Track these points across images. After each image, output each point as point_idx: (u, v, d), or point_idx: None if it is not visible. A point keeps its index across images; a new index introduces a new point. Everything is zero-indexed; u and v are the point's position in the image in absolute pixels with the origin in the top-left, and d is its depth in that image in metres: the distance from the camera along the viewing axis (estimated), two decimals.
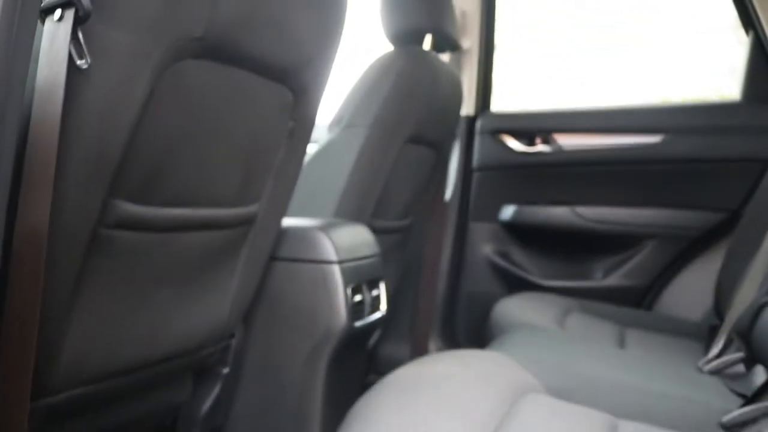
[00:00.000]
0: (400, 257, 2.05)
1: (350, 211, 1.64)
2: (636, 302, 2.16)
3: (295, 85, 1.10)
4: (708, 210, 2.10)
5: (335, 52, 1.17)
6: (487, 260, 2.28)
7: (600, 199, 2.19)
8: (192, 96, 0.88)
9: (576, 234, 2.21)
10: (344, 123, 1.67)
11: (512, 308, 1.77)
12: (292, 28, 1.00)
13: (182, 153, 0.91)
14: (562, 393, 1.11)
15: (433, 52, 1.85)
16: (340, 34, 1.16)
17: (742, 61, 2.10)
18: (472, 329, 2.28)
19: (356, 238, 1.45)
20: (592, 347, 1.44)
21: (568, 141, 2.21)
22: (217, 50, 0.88)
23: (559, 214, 2.21)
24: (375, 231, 1.78)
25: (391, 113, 1.65)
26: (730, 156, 2.07)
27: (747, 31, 2.08)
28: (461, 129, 2.25)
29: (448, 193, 2.28)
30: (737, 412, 1.09)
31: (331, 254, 1.32)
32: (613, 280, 2.18)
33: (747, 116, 2.08)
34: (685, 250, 2.14)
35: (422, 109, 1.73)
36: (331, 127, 1.71)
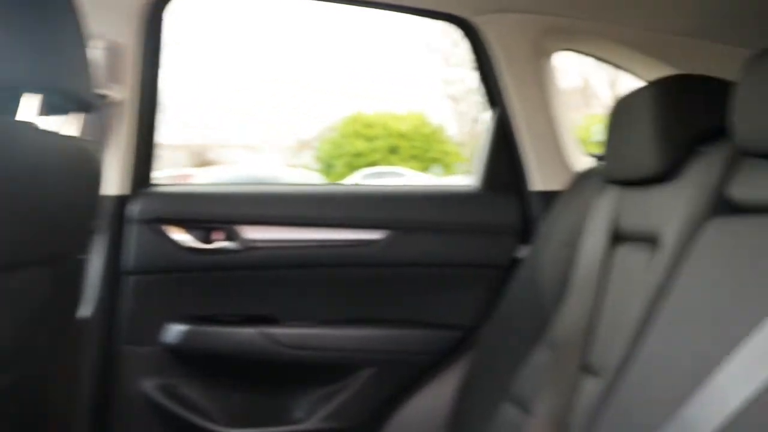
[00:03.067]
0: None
1: None
2: None
3: None
4: (437, 328, 1.63)
5: None
6: (145, 399, 1.59)
7: (300, 315, 1.61)
8: None
9: (269, 362, 1.61)
10: None
11: None
12: None
13: None
14: None
15: (37, 124, 1.08)
16: None
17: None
18: None
19: None
20: None
21: (259, 235, 1.59)
22: None
23: (246, 336, 1.58)
24: None
25: None
26: (464, 260, 1.62)
27: (491, 107, 1.65)
28: (105, 216, 1.53)
29: (88, 309, 1.54)
30: None
31: None
32: (319, 421, 1.61)
33: (484, 210, 1.64)
34: (409, 379, 1.64)
35: (14, 223, 1.00)
36: None
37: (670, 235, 1.03)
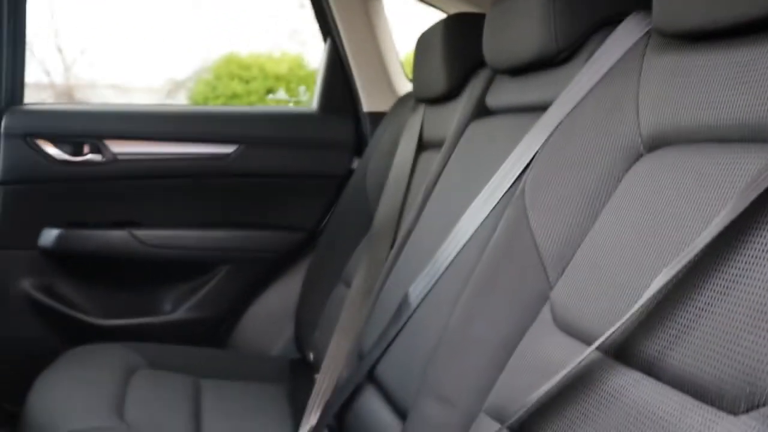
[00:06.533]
0: None
1: None
2: (211, 335, 1.89)
3: None
4: (284, 230, 1.91)
5: None
6: (25, 297, 1.78)
7: (164, 219, 1.84)
8: None
9: (137, 262, 1.83)
10: None
11: (54, 396, 1.33)
12: None
13: None
14: None
15: None
16: None
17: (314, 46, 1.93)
18: (10, 387, 1.74)
19: None
20: None
21: (124, 149, 1.80)
22: None
23: (115, 238, 1.80)
24: None
25: None
26: (306, 171, 1.90)
27: (325, 39, 1.91)
28: None
29: None
30: None
31: None
32: (184, 313, 1.87)
33: (323, 128, 1.92)
34: (262, 274, 1.92)
35: None
36: None
37: (448, 137, 1.34)
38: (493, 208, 0.98)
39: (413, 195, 1.49)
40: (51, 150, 1.76)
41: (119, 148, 1.79)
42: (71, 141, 1.77)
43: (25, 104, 1.81)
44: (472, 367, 0.86)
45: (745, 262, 0.57)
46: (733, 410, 0.53)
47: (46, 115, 1.81)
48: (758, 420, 0.51)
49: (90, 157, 1.78)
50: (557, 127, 0.91)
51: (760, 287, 0.55)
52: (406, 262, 1.25)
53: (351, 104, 1.93)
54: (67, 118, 1.83)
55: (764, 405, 0.51)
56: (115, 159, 1.79)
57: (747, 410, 0.52)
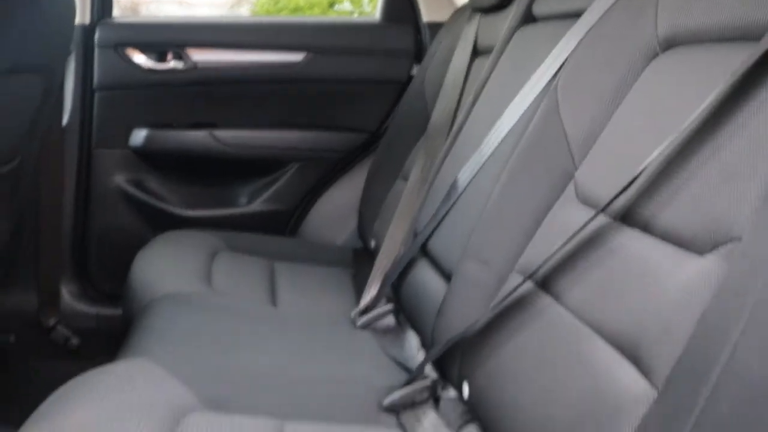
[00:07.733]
0: (9, 204, 1.69)
1: None
2: (283, 226, 2.10)
3: None
4: (349, 131, 2.07)
5: None
6: (119, 191, 2.01)
7: (240, 121, 2.03)
8: None
9: (216, 159, 2.04)
10: None
11: (152, 268, 1.55)
12: None
13: None
14: (221, 403, 0.98)
15: None
16: None
17: None
18: (109, 268, 2.02)
19: None
20: (243, 318, 1.32)
21: (203, 57, 1.98)
22: None
23: (196, 138, 2.00)
24: None
25: None
26: (369, 77, 2.04)
27: None
28: (76, 41, 1.89)
29: (65, 118, 1.93)
30: (397, 395, 1.06)
31: None
32: (258, 205, 2.07)
33: (385, 37, 2.05)
34: (328, 171, 2.10)
35: (19, 35, 1.37)
36: None
37: (497, 43, 1.47)
38: (531, 103, 1.12)
39: (466, 97, 1.63)
40: (138, 58, 1.95)
41: (199, 56, 1.97)
42: (156, 50, 1.96)
43: (114, 17, 2.00)
44: (507, 235, 1.02)
45: (723, 138, 0.71)
46: (701, 251, 0.68)
47: (134, 27, 2.00)
48: (717, 256, 0.66)
49: (173, 64, 1.97)
50: (588, 31, 1.04)
51: (732, 157, 0.69)
52: (456, 154, 1.40)
53: (412, 14, 2.06)
54: (152, 29, 2.01)
55: (722, 245, 0.66)
56: (195, 66, 1.97)
57: (710, 250, 0.67)
